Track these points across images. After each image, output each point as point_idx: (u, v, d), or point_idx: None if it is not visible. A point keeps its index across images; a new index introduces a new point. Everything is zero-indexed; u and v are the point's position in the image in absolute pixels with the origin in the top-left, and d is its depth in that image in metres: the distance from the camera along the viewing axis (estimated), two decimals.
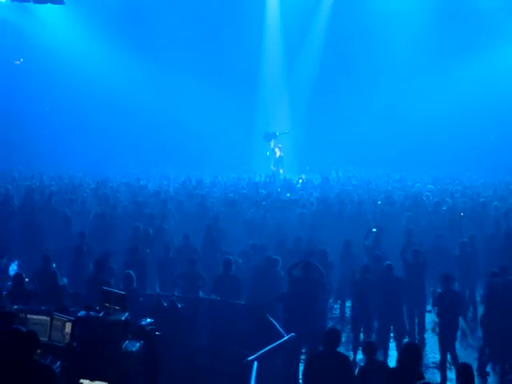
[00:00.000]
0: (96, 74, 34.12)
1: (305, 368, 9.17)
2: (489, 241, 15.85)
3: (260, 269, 13.36)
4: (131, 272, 11.88)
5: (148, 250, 14.47)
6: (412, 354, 8.52)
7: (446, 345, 11.71)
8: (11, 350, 7.43)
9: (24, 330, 7.73)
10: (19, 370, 7.33)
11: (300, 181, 27.85)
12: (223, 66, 35.53)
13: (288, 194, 21.83)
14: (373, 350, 9.14)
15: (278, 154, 34.26)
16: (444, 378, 11.38)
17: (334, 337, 9.03)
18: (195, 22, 34.81)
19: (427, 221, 17.44)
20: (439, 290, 12.42)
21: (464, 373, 8.23)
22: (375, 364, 9.06)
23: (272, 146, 34.43)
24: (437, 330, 12.53)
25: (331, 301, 14.81)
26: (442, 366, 11.63)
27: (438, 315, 11.88)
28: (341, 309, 15.18)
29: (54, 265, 12.76)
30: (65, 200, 19.38)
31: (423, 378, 8.63)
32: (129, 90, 34.33)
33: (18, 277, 11.82)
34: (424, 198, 20.34)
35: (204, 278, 13.19)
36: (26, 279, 11.68)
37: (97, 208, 17.98)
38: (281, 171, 32.85)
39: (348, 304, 14.86)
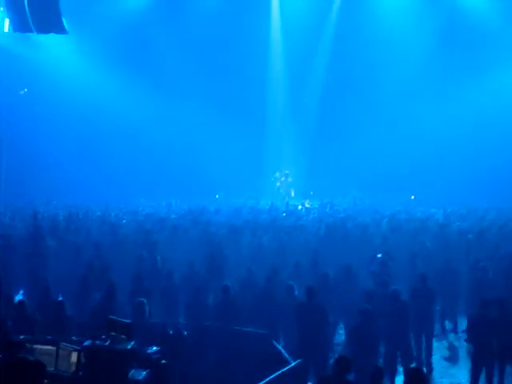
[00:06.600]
0: (100, 102, 34.29)
1: None
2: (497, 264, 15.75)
3: (262, 293, 13.36)
4: (144, 300, 11.86)
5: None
6: (418, 379, 8.50)
7: (479, 372, 11.54)
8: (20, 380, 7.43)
9: (31, 358, 7.73)
10: None
11: (306, 205, 28.00)
12: (230, 90, 35.62)
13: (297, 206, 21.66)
14: (380, 375, 9.08)
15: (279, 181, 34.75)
16: None
17: (344, 364, 8.96)
18: (202, 51, 35.26)
19: (434, 244, 17.37)
20: (472, 314, 12.20)
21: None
22: None
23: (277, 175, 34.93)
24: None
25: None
26: None
27: (470, 341, 11.60)
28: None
29: (61, 297, 12.73)
30: (71, 229, 19.44)
31: None
32: (132, 118, 34.51)
33: (20, 304, 11.81)
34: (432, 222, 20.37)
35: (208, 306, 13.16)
36: None
37: (103, 236, 18.00)
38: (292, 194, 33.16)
39: None
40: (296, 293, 12.96)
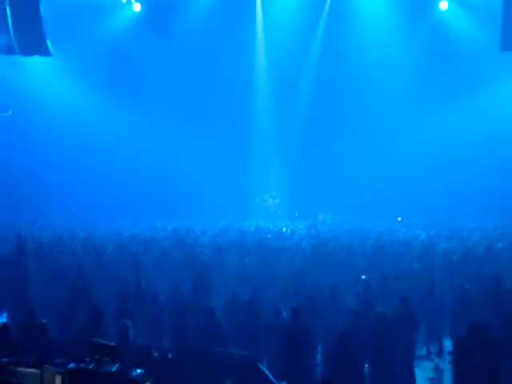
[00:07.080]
0: (84, 123, 34.42)
1: None
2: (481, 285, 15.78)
3: (247, 313, 13.35)
4: (128, 322, 11.82)
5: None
6: None
7: None
8: None
9: (15, 381, 7.67)
10: None
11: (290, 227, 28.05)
12: (214, 111, 35.83)
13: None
14: None
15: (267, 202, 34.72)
16: None
17: None
18: (184, 70, 35.26)
19: (419, 265, 17.41)
20: (457, 336, 12.06)
21: None
22: None
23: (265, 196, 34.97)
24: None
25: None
26: None
27: (455, 363, 11.48)
28: None
29: (45, 320, 12.67)
30: (55, 250, 19.36)
31: None
32: (118, 141, 34.57)
33: (4, 326, 11.73)
34: (417, 243, 20.43)
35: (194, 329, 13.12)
36: None
37: (87, 258, 17.94)
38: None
39: None
40: (284, 315, 12.96)
